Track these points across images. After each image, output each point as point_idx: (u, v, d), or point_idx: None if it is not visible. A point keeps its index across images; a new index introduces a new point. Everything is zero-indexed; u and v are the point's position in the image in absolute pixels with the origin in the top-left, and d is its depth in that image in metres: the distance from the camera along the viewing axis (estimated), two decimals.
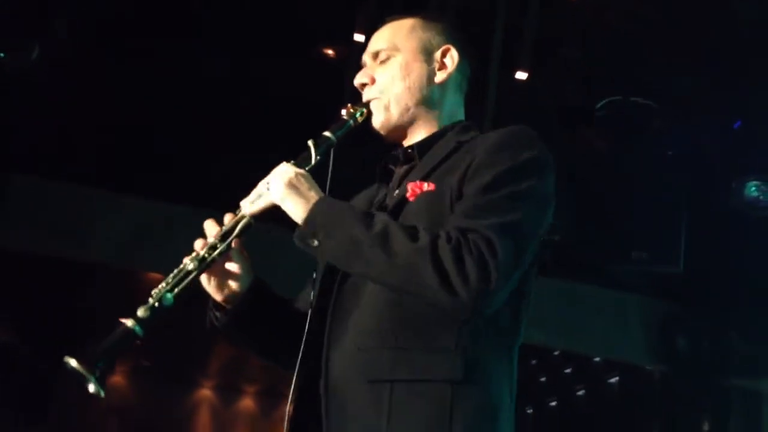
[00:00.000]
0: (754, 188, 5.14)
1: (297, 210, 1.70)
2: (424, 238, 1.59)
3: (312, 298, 1.85)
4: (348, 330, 1.70)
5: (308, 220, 1.67)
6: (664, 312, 7.04)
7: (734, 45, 4.69)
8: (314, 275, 1.89)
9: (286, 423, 1.74)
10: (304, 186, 1.72)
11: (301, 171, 1.76)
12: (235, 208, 1.83)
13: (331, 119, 1.92)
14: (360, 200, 2.00)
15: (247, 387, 13.15)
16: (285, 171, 1.75)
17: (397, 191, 1.83)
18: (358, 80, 1.95)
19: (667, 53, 4.88)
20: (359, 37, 4.60)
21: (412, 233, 1.60)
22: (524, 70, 4.79)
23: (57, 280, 8.50)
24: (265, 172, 1.78)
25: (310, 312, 1.81)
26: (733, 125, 5.21)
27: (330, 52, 5.30)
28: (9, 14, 4.27)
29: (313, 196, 1.71)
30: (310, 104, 5.21)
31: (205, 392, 13.30)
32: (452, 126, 1.93)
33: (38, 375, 11.53)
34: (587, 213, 5.49)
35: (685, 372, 7.08)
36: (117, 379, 12.97)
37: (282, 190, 1.72)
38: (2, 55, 4.35)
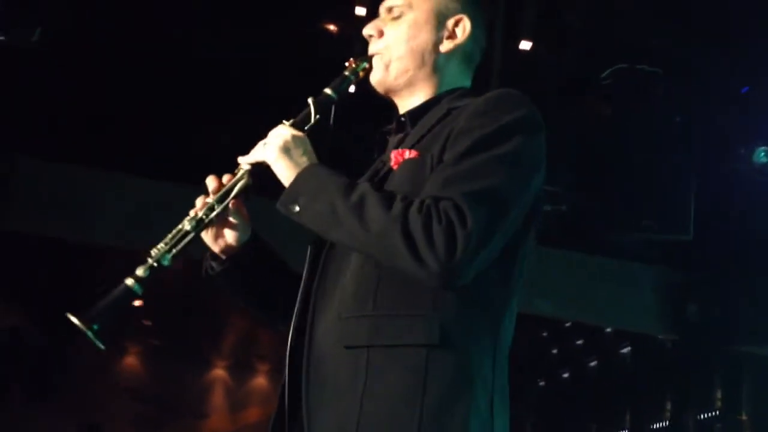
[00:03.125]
0: (762, 154, 5.09)
1: (285, 175, 1.69)
2: (397, 206, 1.56)
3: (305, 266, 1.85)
4: (332, 299, 1.69)
5: (291, 186, 1.66)
6: (675, 280, 7.02)
7: (743, 9, 4.63)
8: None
9: (279, 391, 1.74)
10: (297, 150, 1.71)
11: (298, 134, 1.74)
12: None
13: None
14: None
15: (260, 365, 13.24)
16: (281, 133, 1.74)
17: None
18: (366, 30, 1.92)
19: (673, 19, 4.83)
20: (360, 11, 4.57)
21: (388, 202, 1.57)
22: (528, 40, 4.75)
23: (64, 262, 8.53)
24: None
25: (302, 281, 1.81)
26: (742, 90, 5.16)
27: (331, 27, 5.26)
28: None
29: (304, 161, 1.70)
30: (311, 79, 5.18)
31: (219, 372, 13.39)
32: (449, 93, 1.87)
33: (49, 356, 11.63)
34: (595, 182, 5.46)
35: (696, 340, 7.07)
36: (130, 359, 13.06)
37: (275, 152, 1.71)
38: (2, 38, 4.32)
